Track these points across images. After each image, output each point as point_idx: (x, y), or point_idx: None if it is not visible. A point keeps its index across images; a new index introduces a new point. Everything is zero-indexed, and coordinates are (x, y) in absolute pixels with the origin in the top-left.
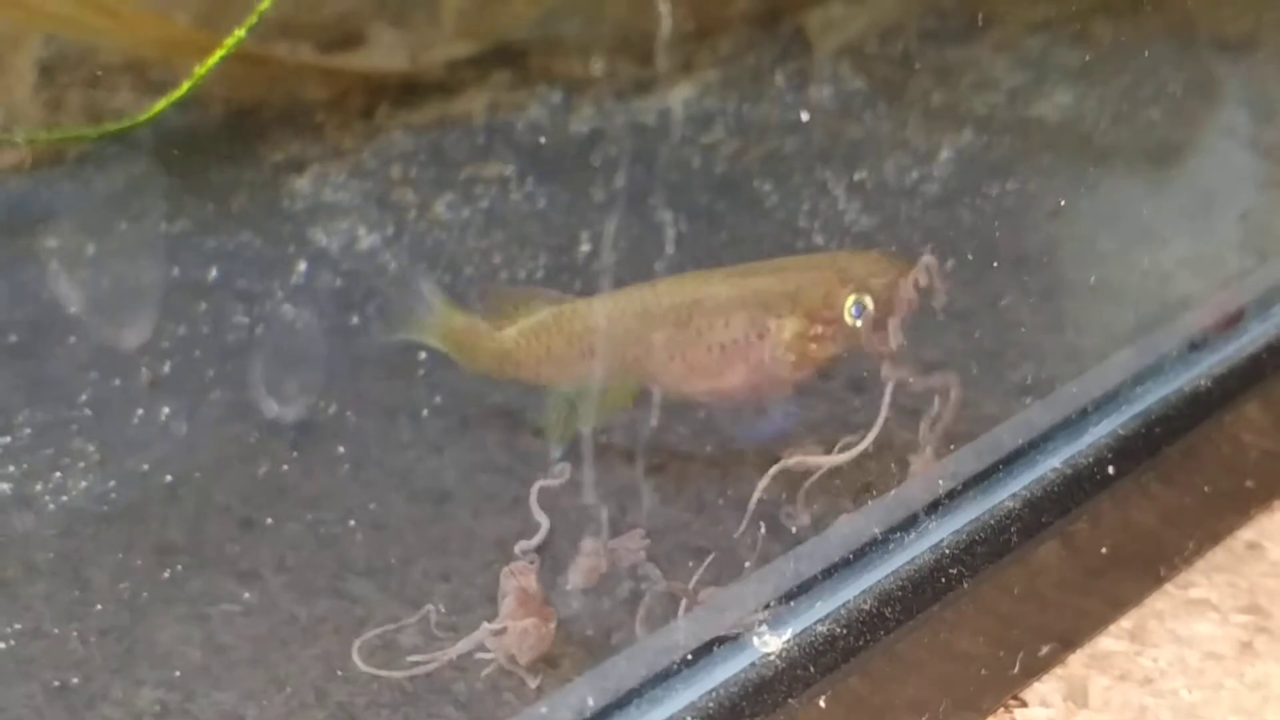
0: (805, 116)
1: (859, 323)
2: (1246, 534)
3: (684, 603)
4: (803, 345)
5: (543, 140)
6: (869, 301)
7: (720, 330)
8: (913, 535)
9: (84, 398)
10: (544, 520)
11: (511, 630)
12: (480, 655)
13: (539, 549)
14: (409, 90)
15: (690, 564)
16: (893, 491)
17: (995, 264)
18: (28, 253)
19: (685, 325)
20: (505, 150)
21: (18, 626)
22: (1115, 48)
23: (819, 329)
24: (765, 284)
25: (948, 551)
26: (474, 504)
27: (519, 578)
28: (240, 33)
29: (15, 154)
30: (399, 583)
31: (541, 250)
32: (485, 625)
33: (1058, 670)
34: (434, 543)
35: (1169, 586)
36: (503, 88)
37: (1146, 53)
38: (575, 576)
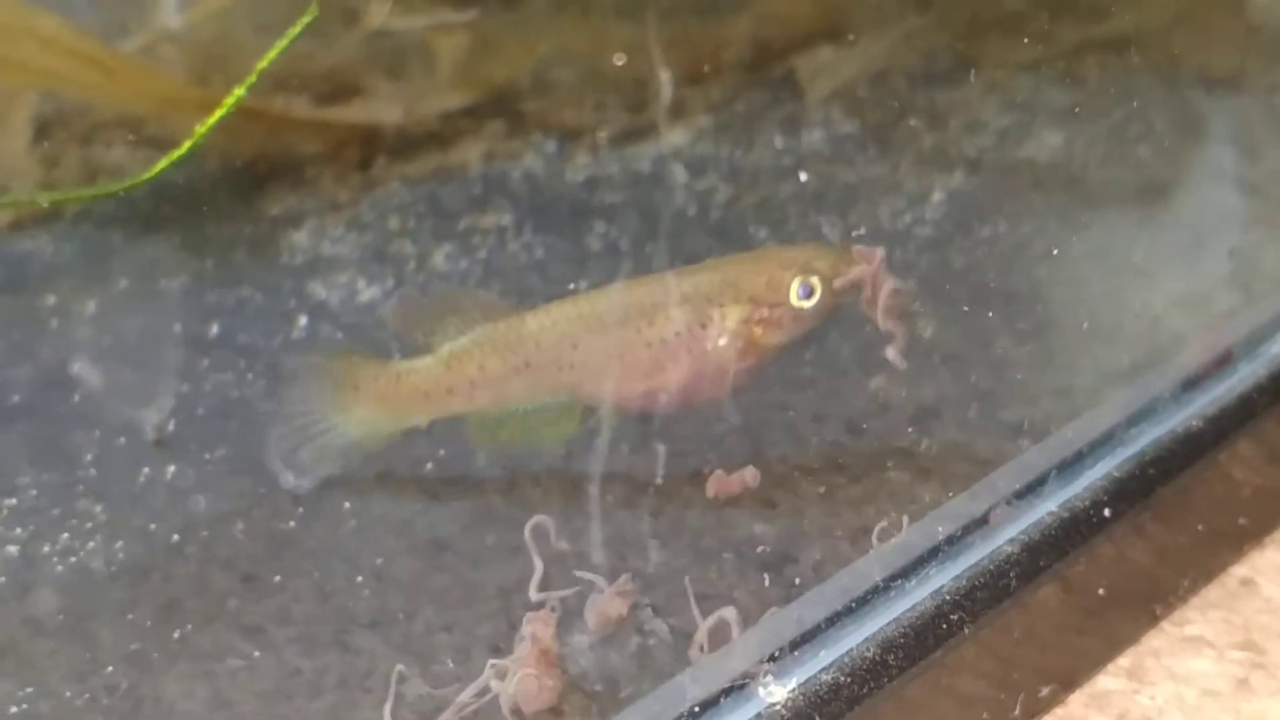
0: (804, 177)
1: (808, 304)
2: (1240, 570)
3: (690, 653)
4: (749, 331)
5: (539, 189)
6: (816, 282)
7: (661, 325)
8: (913, 582)
9: (89, 457)
10: (538, 562)
11: (519, 680)
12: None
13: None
14: (405, 141)
15: (693, 612)
16: (893, 540)
17: (988, 305)
18: (28, 311)
19: (624, 324)
20: (502, 200)
21: (29, 689)
22: (1103, 87)
23: (765, 312)
24: (705, 277)
25: (948, 597)
26: (474, 554)
27: (538, 627)
28: (240, 91)
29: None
30: (403, 635)
31: (540, 300)
32: (490, 664)
33: (1058, 710)
34: (436, 594)
35: (1165, 624)
36: (498, 137)
37: (1134, 92)
38: (591, 621)
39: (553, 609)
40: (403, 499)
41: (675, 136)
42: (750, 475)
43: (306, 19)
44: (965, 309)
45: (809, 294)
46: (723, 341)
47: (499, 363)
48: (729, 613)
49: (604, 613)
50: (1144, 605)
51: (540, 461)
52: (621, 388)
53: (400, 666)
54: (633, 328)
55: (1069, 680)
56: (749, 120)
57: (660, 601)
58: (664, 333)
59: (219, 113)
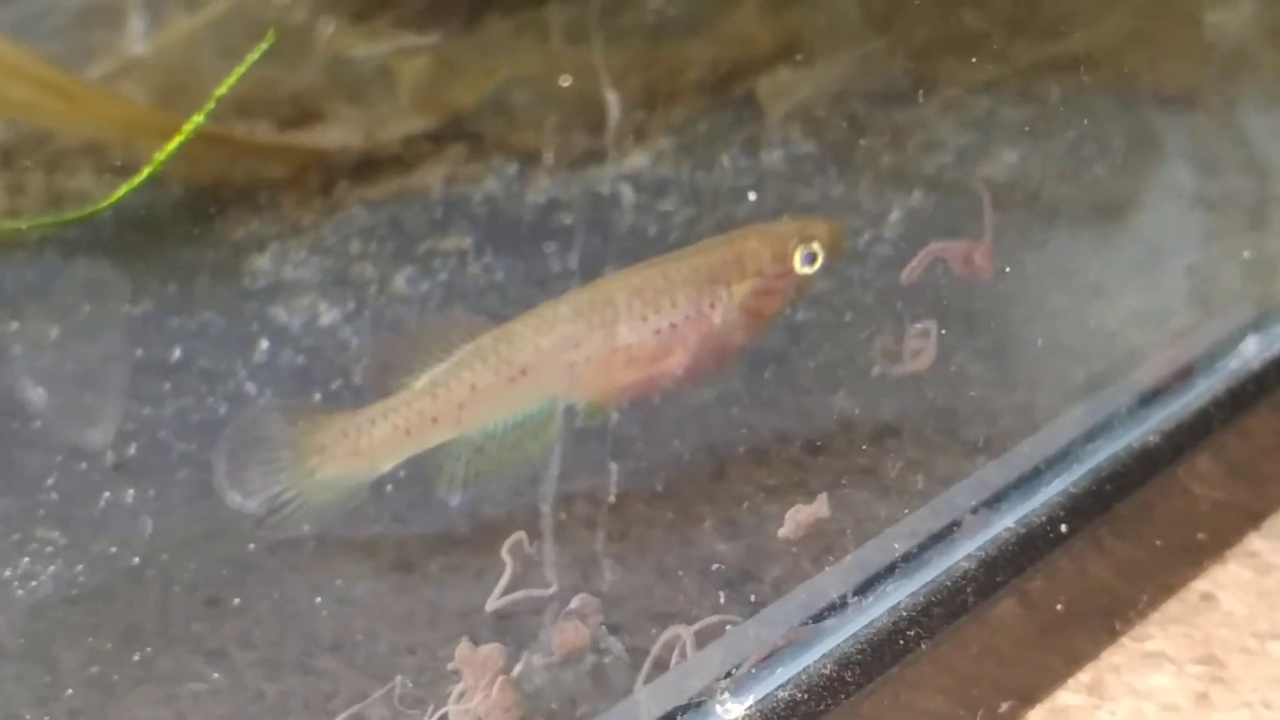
0: (752, 196)
1: (811, 270)
2: (1200, 585)
3: (645, 672)
4: (758, 302)
5: (499, 212)
6: (817, 248)
7: (668, 311)
8: (870, 599)
9: (50, 482)
10: (509, 563)
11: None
12: None
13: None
14: (367, 166)
15: (653, 630)
16: (849, 556)
17: (946, 322)
18: None
19: (627, 316)
20: (463, 223)
21: None
22: (1059, 106)
23: (772, 283)
24: (705, 259)
25: (905, 614)
26: (438, 576)
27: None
28: (199, 118)
29: None
30: (365, 657)
31: (501, 323)
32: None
33: None
34: (400, 616)
35: (1125, 639)
36: (459, 161)
37: (1089, 110)
38: (554, 643)
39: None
40: (365, 521)
41: (636, 158)
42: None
43: (265, 45)
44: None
45: (812, 260)
46: (731, 317)
47: (491, 377)
48: (684, 631)
49: (566, 640)
50: (1103, 621)
51: (511, 482)
52: (629, 379)
53: (400, 677)
54: (638, 317)
55: (1028, 696)
56: (709, 141)
57: (620, 620)
58: (673, 318)
59: (178, 139)
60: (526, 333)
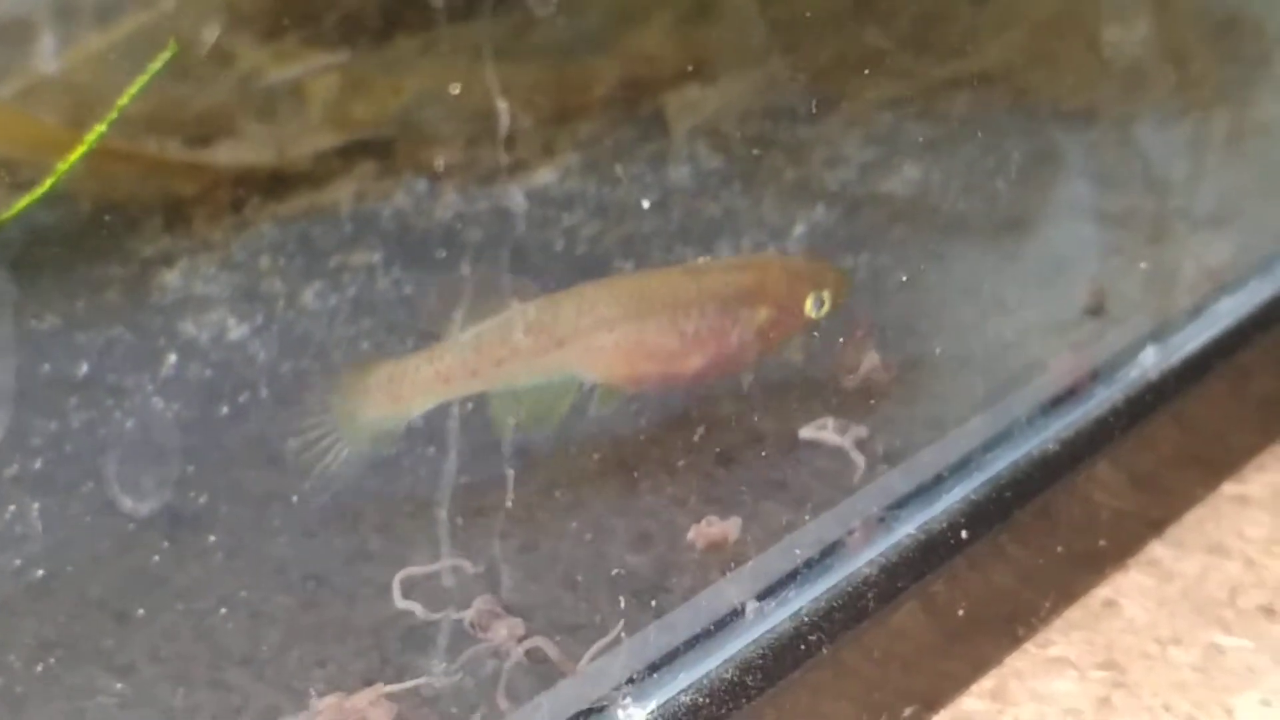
0: (645, 205)
1: (816, 315)
2: (1103, 592)
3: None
4: (769, 330)
5: (408, 227)
6: (827, 296)
7: (696, 318)
8: (772, 604)
9: None
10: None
11: None
12: None
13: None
14: (277, 182)
15: (557, 638)
16: (751, 561)
17: (851, 335)
18: None
19: (660, 313)
20: (372, 238)
21: None
22: (960, 122)
23: (784, 317)
24: (734, 278)
25: (806, 619)
26: (349, 589)
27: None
28: (101, 128)
29: None
30: (275, 671)
31: (410, 335)
32: None
33: None
34: (309, 630)
35: (1028, 645)
36: (369, 177)
37: (991, 126)
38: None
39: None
40: (276, 535)
41: (544, 173)
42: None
43: (167, 54)
44: (828, 337)
45: (820, 307)
46: (746, 337)
47: (531, 342)
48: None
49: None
50: (1006, 626)
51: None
52: (647, 370)
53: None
54: (668, 317)
55: (932, 701)
56: (616, 156)
57: (527, 629)
58: (699, 325)
59: (81, 148)
60: (569, 308)
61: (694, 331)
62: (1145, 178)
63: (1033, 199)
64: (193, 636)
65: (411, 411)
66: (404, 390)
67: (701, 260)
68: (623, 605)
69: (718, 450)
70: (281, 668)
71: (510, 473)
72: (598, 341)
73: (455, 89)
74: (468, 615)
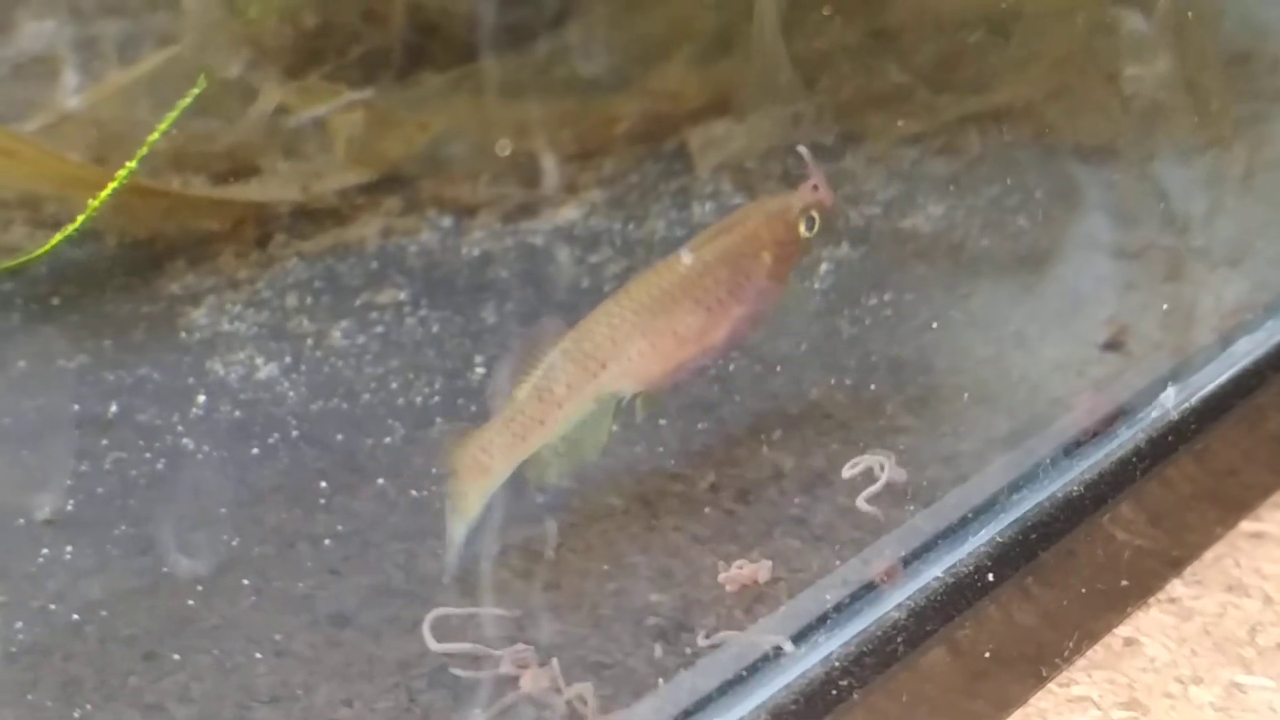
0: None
1: (812, 233)
2: (1124, 631)
3: None
4: (778, 267)
5: (434, 265)
6: (814, 214)
7: (713, 287)
8: (803, 649)
9: None
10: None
11: None
12: None
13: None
14: (303, 219)
15: (588, 680)
16: (782, 608)
17: (875, 373)
18: None
19: (681, 298)
20: (398, 276)
21: None
22: (982, 158)
23: (785, 250)
24: (730, 239)
25: (837, 664)
26: (375, 628)
27: None
28: (132, 164)
29: None
30: (303, 710)
31: (437, 375)
32: None
33: None
34: (337, 668)
35: (1051, 685)
36: (394, 214)
37: (1012, 162)
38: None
39: None
40: (302, 575)
41: (569, 211)
42: (763, 568)
43: (197, 90)
44: (850, 380)
45: (812, 225)
46: (762, 284)
47: (580, 373)
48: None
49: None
50: (1030, 667)
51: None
52: (681, 358)
53: None
54: (690, 298)
55: None
56: (641, 193)
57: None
58: (719, 294)
59: (111, 186)
60: (601, 328)
61: (716, 300)
62: (1164, 214)
63: (1053, 235)
64: (221, 676)
65: (502, 479)
66: (494, 460)
67: (689, 242)
68: (658, 653)
69: (738, 488)
70: (309, 707)
71: (552, 524)
72: (635, 350)
73: (505, 150)
74: (503, 663)
